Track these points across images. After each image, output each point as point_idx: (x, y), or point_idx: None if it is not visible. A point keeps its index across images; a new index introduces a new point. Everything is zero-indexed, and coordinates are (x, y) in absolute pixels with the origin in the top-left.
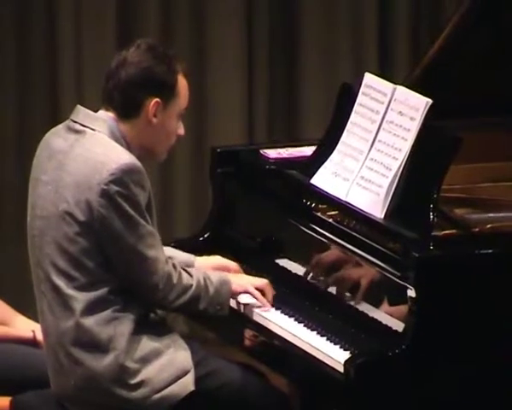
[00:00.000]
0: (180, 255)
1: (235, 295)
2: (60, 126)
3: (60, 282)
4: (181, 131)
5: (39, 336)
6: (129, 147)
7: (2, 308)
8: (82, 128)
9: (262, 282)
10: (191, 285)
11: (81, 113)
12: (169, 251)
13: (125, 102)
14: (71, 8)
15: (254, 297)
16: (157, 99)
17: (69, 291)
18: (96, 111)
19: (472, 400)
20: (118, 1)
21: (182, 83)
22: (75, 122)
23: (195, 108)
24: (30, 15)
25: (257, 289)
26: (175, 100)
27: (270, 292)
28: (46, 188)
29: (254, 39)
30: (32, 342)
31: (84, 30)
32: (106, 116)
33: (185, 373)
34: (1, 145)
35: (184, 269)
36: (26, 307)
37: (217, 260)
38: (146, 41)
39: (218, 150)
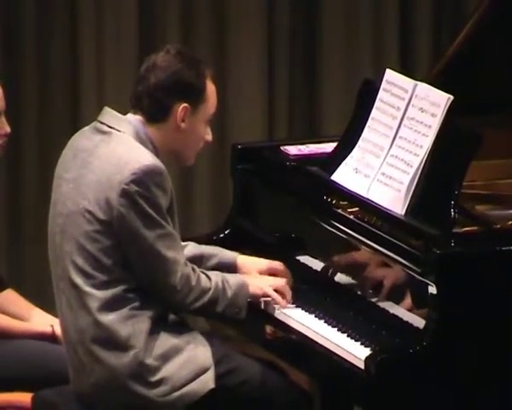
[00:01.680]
0: (222, 253)
1: (253, 298)
2: (86, 128)
3: (78, 279)
4: (209, 137)
5: (58, 331)
6: (156, 151)
7: (21, 303)
8: (108, 129)
9: (280, 282)
10: (209, 288)
11: (108, 114)
12: (212, 249)
13: (154, 107)
14: (92, 12)
15: (273, 300)
16: (185, 104)
17: (87, 289)
18: (124, 114)
19: (493, 397)
20: (139, 4)
21: (210, 88)
22: (102, 123)
23: (217, 105)
24: (51, 19)
25: (275, 290)
26: (203, 105)
27: (288, 292)
28: (68, 186)
29: (275, 36)
30: (51, 337)
31: (105, 34)
32: (133, 119)
33: (205, 371)
34: (22, 146)
35: (203, 272)
36: (46, 303)
37: (262, 263)
38: (175, 46)
39: (239, 147)
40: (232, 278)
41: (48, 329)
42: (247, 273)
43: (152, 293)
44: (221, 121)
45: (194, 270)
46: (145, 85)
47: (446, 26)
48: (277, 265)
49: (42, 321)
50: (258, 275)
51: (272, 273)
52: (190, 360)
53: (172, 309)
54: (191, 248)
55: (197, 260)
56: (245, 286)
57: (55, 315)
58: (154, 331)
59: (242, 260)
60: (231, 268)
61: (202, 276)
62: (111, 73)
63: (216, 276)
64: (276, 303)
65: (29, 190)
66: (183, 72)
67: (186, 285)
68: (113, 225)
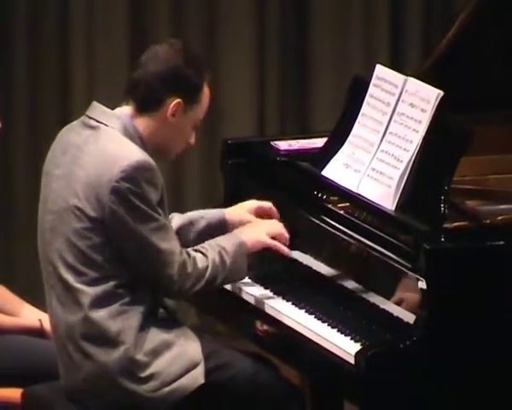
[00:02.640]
0: (209, 213)
1: (253, 253)
2: (75, 122)
3: (68, 276)
4: (192, 140)
5: (46, 326)
6: (143, 144)
7: (11, 299)
8: (96, 124)
9: (276, 228)
10: (207, 267)
11: (97, 109)
12: (198, 212)
13: (148, 95)
14: (83, 10)
15: (272, 248)
16: (179, 100)
17: (77, 285)
18: (114, 108)
19: (483, 392)
20: (129, 2)
21: (206, 91)
22: (90, 118)
23: (208, 100)
24: (42, 16)
25: (273, 237)
26: (196, 106)
27: (285, 237)
28: (59, 182)
29: (266, 32)
30: (39, 332)
31: (95, 31)
32: (121, 113)
33: (195, 366)
34: (13, 143)
35: (199, 250)
36: (37, 300)
37: (249, 204)
38: (180, 42)
39: (229, 142)
40: (229, 243)
41: (36, 323)
42: (236, 225)
43: (150, 286)
44: (212, 116)
45: (188, 255)
46: (143, 73)
47: (437, 23)
48: (266, 205)
49: (31, 316)
50: (252, 225)
51: (260, 213)
52: (180, 355)
53: (173, 298)
54: (177, 220)
55: (186, 228)
56: (243, 246)
57: (46, 312)
58: (144, 327)
59: (230, 213)
60: (221, 225)
61: (198, 256)
62: (101, 70)
63: (212, 250)
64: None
65: (19, 187)
66: (182, 67)
67: (183, 274)
68: (104, 223)
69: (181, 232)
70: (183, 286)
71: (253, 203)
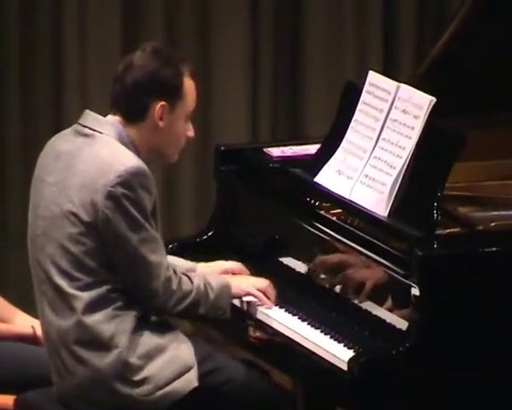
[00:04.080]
0: (181, 263)
1: (236, 298)
2: (66, 131)
3: (62, 282)
4: (190, 133)
5: (39, 332)
6: (137, 151)
7: (3, 306)
8: (91, 132)
9: (263, 283)
10: (191, 291)
11: (90, 117)
12: (170, 259)
13: (131, 106)
14: (76, 14)
15: (256, 299)
16: (163, 102)
17: (70, 290)
18: (104, 116)
19: (476, 398)
20: (122, 4)
21: (188, 84)
22: (84, 126)
23: (200, 106)
24: (35, 21)
25: (258, 290)
26: (181, 102)
27: (271, 293)
28: (51, 189)
29: (259, 38)
30: (32, 338)
31: (88, 35)
32: (113, 120)
33: (188, 369)
34: (5, 150)
35: (185, 274)
36: (30, 307)
37: (219, 265)
38: (152, 44)
39: (222, 148)
40: (214, 280)
41: (29, 330)
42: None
43: (134, 296)
44: (205, 122)
45: (175, 273)
46: (122, 85)
47: (430, 28)
48: (235, 265)
49: (23, 323)
50: (240, 276)
51: (228, 273)
52: (173, 358)
53: (154, 312)
54: None
55: None
56: (227, 287)
57: (37, 317)
58: (137, 331)
59: (201, 268)
60: None
61: (184, 279)
62: (94, 75)
63: (198, 278)
64: (261, 303)
65: (12, 194)
66: (158, 70)
67: (168, 289)
68: (97, 228)
69: None
70: (166, 302)
71: (222, 264)
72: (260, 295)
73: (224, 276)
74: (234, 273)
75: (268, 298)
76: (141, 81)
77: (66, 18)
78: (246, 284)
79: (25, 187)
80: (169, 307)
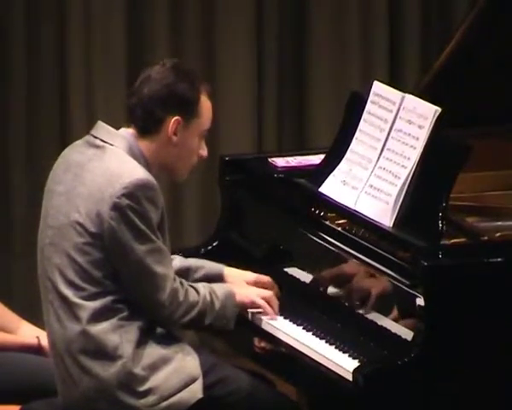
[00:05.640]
0: (209, 265)
1: (240, 307)
2: (79, 142)
3: (67, 291)
4: (203, 152)
5: (44, 343)
6: (148, 165)
7: (8, 316)
8: (102, 143)
9: (267, 293)
10: (197, 302)
11: (101, 128)
12: (199, 262)
13: (146, 118)
14: (80, 24)
15: (261, 308)
16: (178, 117)
17: (76, 300)
18: (113, 126)
19: (482, 407)
20: (127, 15)
21: (205, 103)
22: (95, 137)
23: None
24: (39, 30)
25: (263, 298)
26: (196, 119)
27: (275, 303)
28: (59, 198)
29: (264, 49)
30: (37, 349)
31: (93, 47)
32: (126, 133)
33: (193, 380)
34: (11, 159)
35: (191, 285)
36: (35, 318)
37: (249, 275)
38: (172, 60)
39: (227, 159)
40: (219, 289)
41: (34, 341)
42: (233, 284)
43: (141, 307)
44: (210, 132)
45: (182, 284)
46: (138, 97)
47: (435, 38)
48: (264, 278)
49: (28, 333)
50: (245, 285)
51: (259, 285)
52: (179, 369)
53: (160, 324)
54: (178, 262)
55: (184, 273)
56: (232, 296)
57: (44, 329)
58: (142, 341)
59: (229, 271)
60: (218, 279)
61: (190, 290)
62: (99, 85)
63: (204, 288)
64: (265, 313)
65: (18, 205)
66: (176, 84)
67: (174, 301)
68: (103, 238)
69: (178, 275)
70: (173, 314)
71: (250, 275)
72: (264, 304)
73: (228, 284)
74: (264, 287)
75: (272, 307)
76: (157, 93)
77: (71, 31)
78: (251, 293)
79: (29, 199)
80: (175, 319)
